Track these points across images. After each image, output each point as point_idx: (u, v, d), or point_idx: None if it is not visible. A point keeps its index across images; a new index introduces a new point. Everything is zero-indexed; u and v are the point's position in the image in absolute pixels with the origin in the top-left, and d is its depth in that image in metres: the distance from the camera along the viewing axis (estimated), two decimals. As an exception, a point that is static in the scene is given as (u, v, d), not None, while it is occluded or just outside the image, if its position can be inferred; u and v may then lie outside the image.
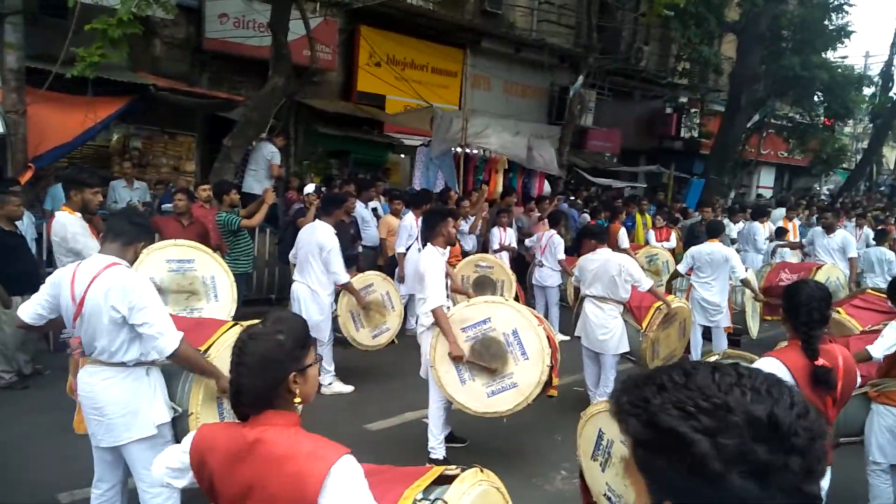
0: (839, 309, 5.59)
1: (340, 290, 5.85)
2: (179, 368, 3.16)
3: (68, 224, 4.82)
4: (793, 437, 0.78)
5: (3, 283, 5.24)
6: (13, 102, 6.75)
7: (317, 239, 5.62)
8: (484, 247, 9.02)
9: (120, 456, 3.04)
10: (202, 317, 4.45)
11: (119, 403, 2.91)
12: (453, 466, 2.32)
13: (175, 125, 10.24)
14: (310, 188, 7.78)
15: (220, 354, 3.11)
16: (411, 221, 7.72)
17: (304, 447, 1.64)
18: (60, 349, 5.56)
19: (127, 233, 3.04)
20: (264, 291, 8.69)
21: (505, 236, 8.56)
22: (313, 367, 1.81)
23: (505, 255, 8.41)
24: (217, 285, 4.60)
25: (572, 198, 12.08)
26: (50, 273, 3.18)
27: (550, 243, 8.26)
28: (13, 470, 4.19)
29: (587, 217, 10.62)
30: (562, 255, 8.13)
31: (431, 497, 2.16)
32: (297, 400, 1.75)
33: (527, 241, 8.81)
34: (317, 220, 5.79)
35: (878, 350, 3.78)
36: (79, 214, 4.89)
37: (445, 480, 2.25)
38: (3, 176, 7.02)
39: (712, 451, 0.78)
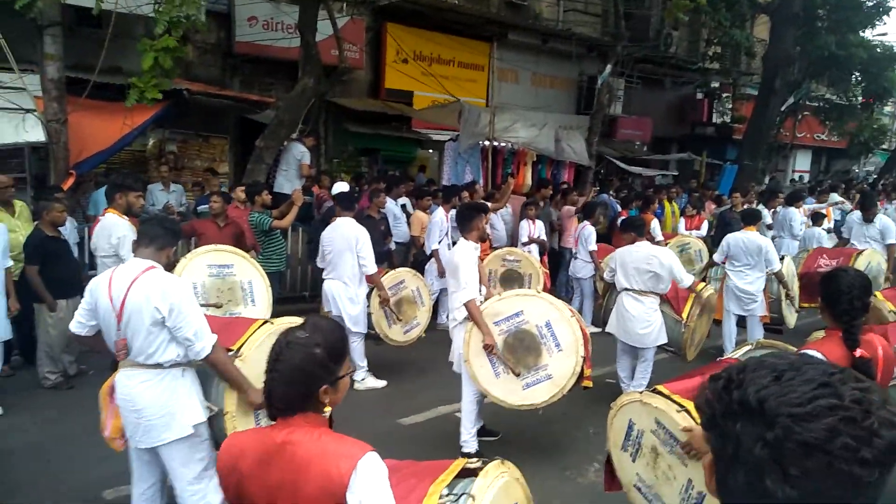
0: (875, 293, 5.48)
1: (371, 287, 5.95)
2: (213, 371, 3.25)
3: (116, 226, 5.01)
4: (769, 429, 0.81)
5: (48, 287, 5.46)
6: (54, 111, 6.99)
7: (344, 233, 5.73)
8: (513, 240, 9.02)
9: (157, 456, 3.12)
10: (232, 313, 4.58)
11: (157, 405, 3.00)
12: (475, 459, 2.38)
13: (208, 128, 10.47)
14: (340, 186, 7.90)
15: (251, 354, 3.18)
16: (441, 217, 7.78)
17: (330, 447, 1.68)
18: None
19: (161, 237, 3.15)
20: (297, 289, 8.84)
21: (534, 229, 8.54)
22: (346, 378, 1.85)
23: (534, 248, 8.40)
24: (254, 290, 4.72)
25: (612, 192, 11.97)
26: (92, 276, 3.30)
27: (582, 234, 8.27)
28: (60, 467, 4.38)
29: (618, 207, 10.54)
30: (593, 246, 8.11)
31: (457, 491, 2.20)
32: (327, 409, 1.80)
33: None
34: (338, 218, 5.90)
35: None
36: (125, 217, 5.09)
37: (468, 474, 2.30)
38: (47, 183, 7.29)
39: (706, 407, 0.92)
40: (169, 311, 2.92)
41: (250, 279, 4.72)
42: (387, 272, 6.29)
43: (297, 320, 3.46)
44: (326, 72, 9.10)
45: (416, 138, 12.79)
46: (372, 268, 5.75)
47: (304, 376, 1.73)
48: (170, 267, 3.33)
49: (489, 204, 8.60)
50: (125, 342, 3.00)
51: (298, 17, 8.52)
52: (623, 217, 9.30)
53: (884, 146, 23.57)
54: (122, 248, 4.90)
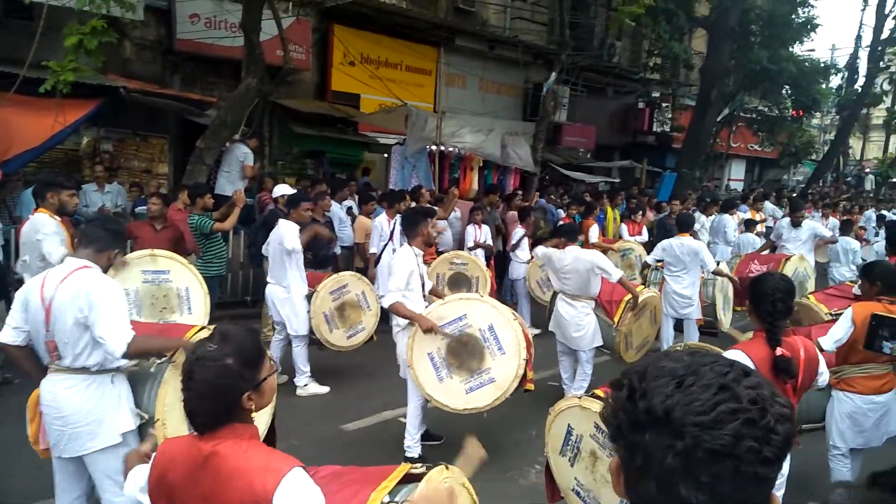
0: (808, 294, 5.75)
1: (312, 291, 5.89)
2: (145, 374, 3.15)
3: (43, 224, 4.78)
4: (678, 439, 0.82)
5: (-29, 290, 5.18)
6: (-21, 107, 6.65)
7: (278, 236, 5.68)
8: (461, 244, 9.07)
9: (83, 466, 3.00)
10: (169, 324, 4.44)
11: (83, 412, 2.89)
12: (419, 465, 2.36)
13: (147, 127, 10.14)
14: (282, 189, 7.78)
15: None
16: (382, 221, 7.76)
17: (256, 461, 1.64)
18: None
19: (100, 239, 3.05)
20: (239, 294, 8.66)
21: (480, 234, 8.63)
22: (270, 378, 1.81)
23: (480, 253, 8.48)
24: (191, 297, 4.59)
25: (552, 196, 12.18)
26: (18, 279, 3.17)
27: (514, 236, 8.49)
28: (-14, 479, 4.17)
29: (562, 213, 10.74)
30: (524, 249, 8.36)
31: (398, 499, 2.19)
32: (254, 414, 1.76)
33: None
34: (281, 220, 5.83)
35: (828, 342, 3.86)
36: (56, 217, 4.86)
37: (412, 479, 2.30)
38: (-29, 182, 6.93)
39: (612, 419, 0.92)
40: (89, 309, 2.81)
41: (187, 286, 4.59)
42: (330, 276, 6.24)
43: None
44: (271, 72, 8.96)
45: (362, 141, 12.71)
46: (297, 246, 5.65)
47: (220, 390, 1.67)
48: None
49: (436, 208, 8.64)
50: (54, 344, 2.89)
51: (242, 16, 8.35)
52: (563, 223, 9.53)
53: (812, 156, 24.76)
54: (45, 244, 4.67)
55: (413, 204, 8.46)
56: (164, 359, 3.08)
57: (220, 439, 1.68)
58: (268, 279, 6.02)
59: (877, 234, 12.18)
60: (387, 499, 2.17)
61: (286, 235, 5.64)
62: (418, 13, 12.80)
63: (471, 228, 8.63)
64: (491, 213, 9.33)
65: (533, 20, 15.36)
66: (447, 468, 2.36)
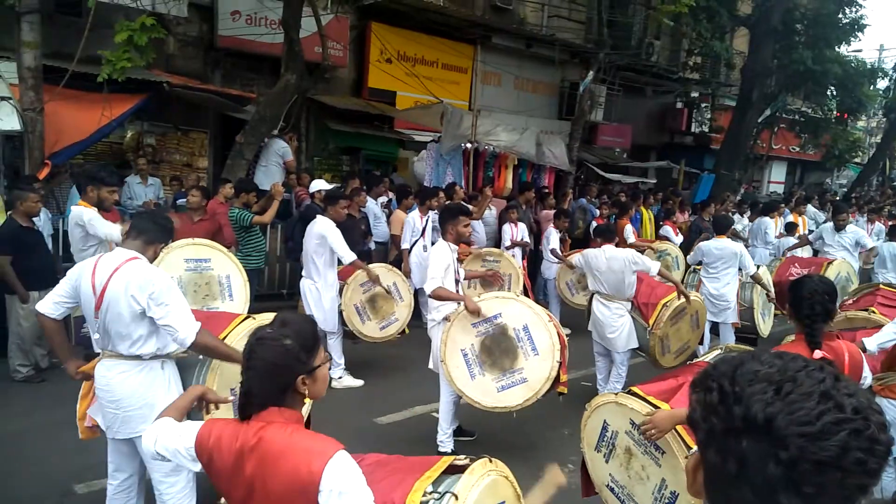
0: (873, 309, 5.58)
1: (343, 284, 5.94)
2: (194, 361, 3.24)
3: (83, 212, 4.93)
4: (782, 449, 0.81)
5: (20, 279, 5.36)
6: (31, 100, 6.86)
7: (315, 231, 5.73)
8: (495, 242, 9.06)
9: (136, 448, 3.11)
10: (210, 308, 4.54)
11: (135, 396, 3.00)
12: (462, 456, 2.35)
13: (188, 122, 10.35)
14: (319, 184, 7.87)
15: (235, 346, 3.19)
16: (414, 217, 7.79)
17: (301, 444, 1.69)
18: (80, 342, 5.67)
19: (149, 231, 3.15)
20: (276, 287, 8.79)
21: (516, 232, 8.60)
22: (323, 368, 1.87)
23: (518, 251, 8.46)
24: (232, 284, 4.69)
25: (590, 196, 12.07)
26: (67, 268, 3.27)
27: (546, 237, 8.45)
28: (31, 461, 4.31)
29: (596, 213, 10.64)
30: (553, 244, 8.26)
31: (441, 489, 2.19)
32: (307, 401, 1.81)
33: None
34: (318, 216, 5.89)
35: (872, 343, 3.82)
36: (94, 208, 5.01)
37: (455, 470, 2.30)
38: (21, 173, 7.16)
39: (703, 422, 0.90)
40: (148, 303, 2.90)
41: (228, 274, 4.68)
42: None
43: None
44: (309, 69, 9.05)
45: (398, 138, 12.77)
46: (348, 256, 5.68)
47: (278, 370, 1.76)
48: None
49: (470, 207, 8.65)
50: (103, 330, 2.98)
51: (283, 14, 8.47)
52: (598, 223, 9.45)
53: (857, 160, 24.08)
54: (95, 229, 4.82)
55: (447, 201, 8.49)
56: None
57: (267, 423, 1.73)
58: (303, 273, 6.10)
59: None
60: (430, 489, 2.18)
61: (325, 227, 5.69)
62: (455, 11, 12.80)
63: (507, 227, 8.61)
64: (525, 212, 9.30)
65: (570, 18, 15.24)
66: (491, 461, 2.35)
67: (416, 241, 7.78)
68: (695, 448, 2.85)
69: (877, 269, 9.07)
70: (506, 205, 9.15)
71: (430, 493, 2.17)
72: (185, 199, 7.05)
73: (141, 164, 9.00)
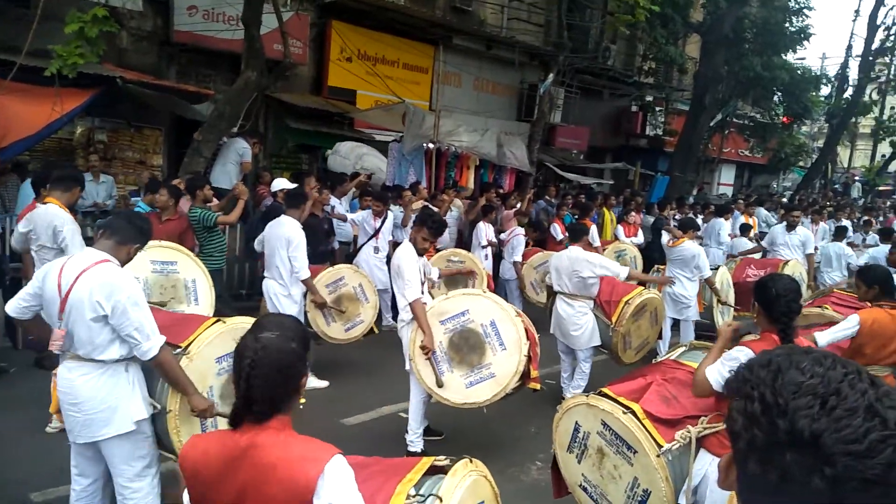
0: (826, 306, 5.79)
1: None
2: None
3: (61, 217, 4.75)
4: (828, 465, 0.80)
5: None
6: (-25, 94, 6.56)
7: (283, 234, 5.63)
8: (458, 242, 9.09)
9: (99, 452, 3.02)
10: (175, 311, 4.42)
11: (97, 399, 2.90)
12: (443, 457, 2.35)
13: (141, 118, 10.03)
14: (281, 183, 7.74)
15: (201, 351, 3.12)
16: (367, 217, 7.77)
17: (296, 450, 1.67)
18: (30, 346, 5.45)
19: (124, 231, 3.06)
20: (235, 287, 8.62)
21: (491, 233, 8.66)
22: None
23: (490, 251, 8.53)
24: (198, 288, 4.58)
25: (548, 197, 12.20)
26: (14, 268, 3.15)
27: (511, 242, 8.51)
28: (-16, 470, 4.12)
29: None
30: (517, 257, 8.34)
31: (423, 491, 2.19)
32: (303, 400, 1.81)
33: (501, 236, 8.93)
34: (283, 216, 5.79)
35: (824, 338, 3.99)
36: (67, 210, 4.84)
37: (435, 471, 2.30)
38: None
39: (744, 433, 0.89)
40: (112, 310, 2.81)
41: (194, 277, 4.57)
42: (326, 269, 6.23)
43: (248, 320, 3.39)
44: (269, 66, 8.90)
45: (358, 137, 12.67)
46: (304, 273, 5.62)
47: (288, 374, 1.74)
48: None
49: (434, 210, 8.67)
50: (63, 334, 2.88)
51: (243, 10, 8.30)
52: (556, 224, 9.58)
53: (801, 163, 25.01)
54: (68, 237, 4.67)
55: (415, 199, 8.50)
56: (177, 350, 3.07)
57: (258, 430, 1.69)
58: (264, 273, 5.99)
59: (864, 241, 12.31)
60: (413, 491, 2.17)
61: (291, 232, 5.59)
62: (416, 11, 12.78)
63: (482, 227, 8.65)
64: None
65: (529, 21, 15.39)
66: (471, 461, 2.35)
67: (367, 241, 7.76)
68: (666, 446, 2.91)
69: (822, 268, 9.45)
70: (481, 205, 9.16)
71: (414, 497, 2.16)
72: (138, 197, 6.83)
73: (92, 161, 8.69)
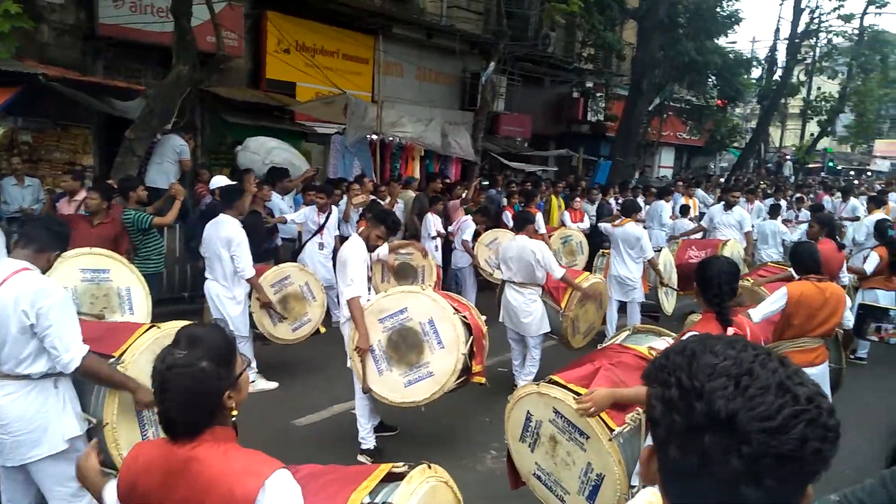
0: (750, 279, 6.01)
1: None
2: None
3: None
4: (744, 444, 0.82)
5: None
6: None
7: (223, 234, 5.46)
8: (414, 234, 9.03)
9: (30, 475, 2.85)
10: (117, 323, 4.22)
11: (25, 419, 2.73)
12: (401, 464, 2.29)
13: (68, 117, 9.56)
14: (220, 180, 7.50)
15: (136, 360, 2.98)
16: (310, 213, 7.65)
17: (236, 464, 1.59)
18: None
19: (41, 239, 2.88)
20: (176, 290, 8.34)
21: (438, 223, 8.62)
22: (244, 373, 1.75)
23: (439, 242, 8.50)
24: (132, 297, 4.38)
25: (500, 188, 12.25)
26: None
27: (461, 227, 8.51)
28: None
29: (504, 201, 10.82)
30: (466, 237, 8.37)
31: (378, 500, 2.13)
32: (235, 412, 1.70)
33: (450, 227, 8.91)
34: (221, 214, 5.61)
35: (757, 314, 4.13)
36: None
37: (394, 478, 2.24)
38: None
39: (663, 418, 0.89)
40: (37, 317, 2.65)
41: (128, 285, 4.36)
42: (271, 268, 6.08)
43: (183, 324, 3.26)
44: (202, 59, 8.59)
45: (300, 131, 12.41)
46: (248, 272, 5.48)
47: (200, 396, 1.61)
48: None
49: (381, 203, 8.59)
50: None
51: (172, 1, 7.98)
52: (507, 211, 9.62)
53: (736, 144, 25.86)
54: None
55: (360, 192, 8.40)
56: (111, 360, 2.92)
57: (198, 442, 1.61)
58: (206, 275, 5.81)
59: (797, 217, 12.83)
60: (367, 499, 2.12)
61: (233, 232, 5.42)
62: (354, 0, 12.58)
63: (431, 218, 8.59)
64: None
65: (469, 9, 15.35)
66: (430, 467, 2.29)
67: (312, 237, 7.63)
68: (617, 430, 2.94)
69: (759, 245, 9.79)
70: (428, 197, 9.11)
71: (368, 503, 2.11)
72: (64, 199, 6.50)
73: (15, 164, 8.23)
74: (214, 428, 1.64)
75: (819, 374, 4.24)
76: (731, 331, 2.94)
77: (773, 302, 4.27)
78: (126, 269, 4.45)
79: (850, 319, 4.63)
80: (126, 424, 2.94)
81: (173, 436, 1.63)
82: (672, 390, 0.88)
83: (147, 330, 3.10)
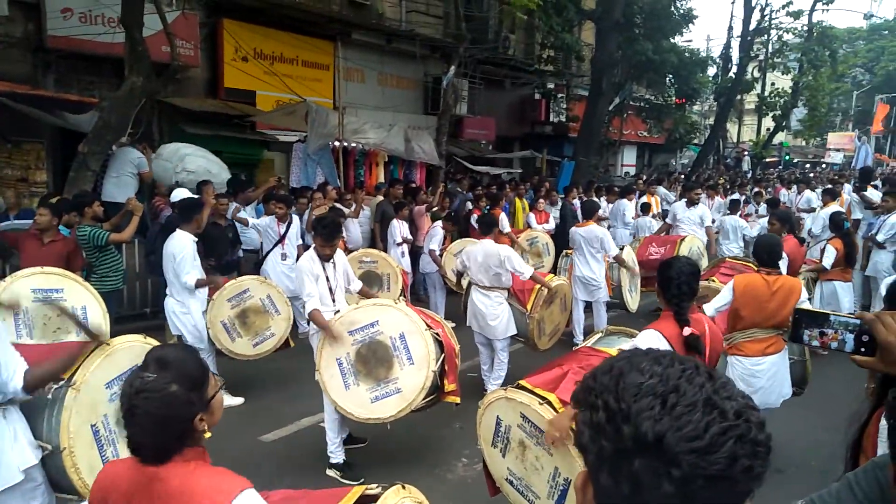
0: (713, 278, 6.10)
1: (210, 298, 5.62)
2: (42, 402, 2.89)
3: None
4: (674, 466, 0.78)
5: None
6: None
7: (168, 250, 5.41)
8: (371, 242, 8.97)
9: None
10: (61, 342, 4.09)
11: None
12: (374, 485, 2.25)
13: (19, 132, 9.28)
14: (180, 193, 7.35)
15: (87, 380, 2.90)
16: (270, 222, 7.56)
17: (203, 483, 1.56)
18: None
19: None
20: (137, 307, 8.15)
21: (405, 229, 8.57)
22: (218, 395, 1.72)
23: (405, 248, 8.44)
24: (88, 315, 4.24)
25: (465, 192, 12.26)
26: None
27: (430, 233, 8.48)
28: None
29: (470, 205, 10.83)
30: (433, 246, 8.29)
31: None
32: (207, 434, 1.66)
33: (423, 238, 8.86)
34: (177, 230, 5.52)
35: (710, 309, 4.22)
36: None
37: (367, 501, 2.20)
38: None
39: (592, 445, 0.85)
40: None
41: (84, 304, 4.23)
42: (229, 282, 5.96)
43: (135, 338, 3.18)
44: (157, 70, 8.42)
45: (261, 139, 12.26)
46: (189, 279, 5.36)
47: (169, 421, 1.58)
48: None
49: (346, 210, 8.52)
50: None
51: (122, 11, 7.80)
52: (476, 215, 9.63)
53: (695, 141, 26.35)
54: None
55: (322, 201, 8.32)
56: (60, 383, 2.82)
57: (165, 463, 1.58)
58: (167, 290, 5.68)
59: (756, 212, 13.12)
60: None
61: (177, 247, 5.35)
62: (311, 6, 12.47)
63: (396, 224, 8.53)
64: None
65: (428, 13, 15.36)
66: (404, 487, 2.25)
67: (273, 247, 7.54)
68: None
69: (721, 241, 9.98)
70: (393, 203, 9.05)
71: None
72: (7, 222, 6.29)
73: (-36, 182, 7.96)
74: (185, 451, 1.60)
75: (771, 364, 4.33)
76: (687, 330, 2.97)
77: (722, 296, 4.38)
78: (80, 287, 4.32)
79: None
80: (83, 447, 2.85)
81: (141, 460, 1.60)
82: (599, 413, 0.84)
83: (95, 348, 3.01)
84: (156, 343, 3.05)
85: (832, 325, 1.46)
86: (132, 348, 3.15)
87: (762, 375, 4.36)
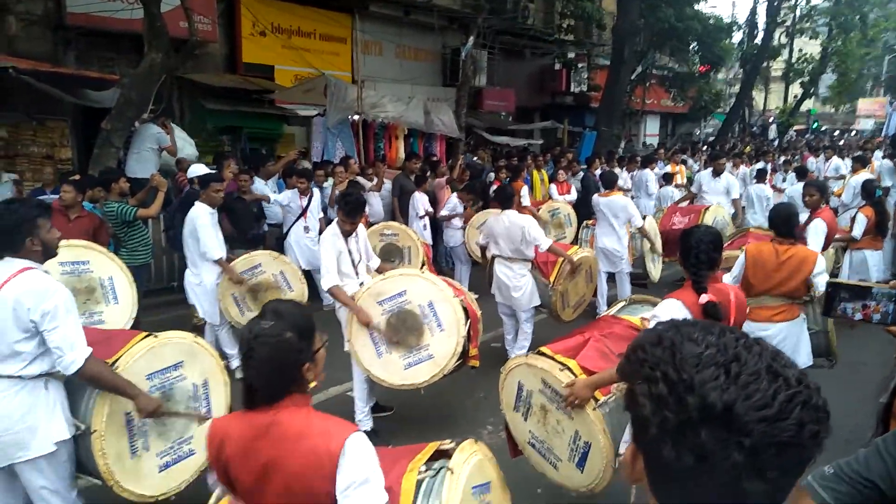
0: (744, 247, 5.99)
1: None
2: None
3: None
4: (744, 435, 0.77)
5: None
6: None
7: (187, 221, 5.50)
8: (393, 214, 8.97)
9: (16, 477, 2.81)
10: (111, 328, 4.16)
11: (13, 419, 2.68)
12: (448, 441, 2.44)
13: (43, 110, 9.38)
14: (197, 169, 7.39)
15: (130, 367, 2.95)
16: (293, 197, 7.57)
17: (318, 425, 1.74)
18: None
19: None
20: (165, 280, 8.28)
21: (426, 201, 8.56)
22: (322, 349, 1.88)
23: (427, 221, 8.44)
24: (116, 286, 4.31)
25: (476, 159, 12.18)
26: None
27: (447, 204, 8.52)
28: None
29: (492, 176, 10.76)
30: (444, 212, 8.35)
31: (436, 466, 2.28)
32: (312, 383, 1.83)
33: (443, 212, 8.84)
34: (196, 203, 5.59)
35: (728, 277, 4.24)
36: None
37: (440, 456, 2.38)
38: None
39: (654, 417, 0.83)
40: (42, 317, 2.61)
41: (111, 275, 4.29)
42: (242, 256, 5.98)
43: (183, 335, 3.21)
44: (176, 45, 8.43)
45: (281, 114, 12.26)
46: (214, 253, 5.45)
47: (281, 365, 1.75)
48: None
49: (367, 184, 8.52)
50: None
51: (140, -14, 7.80)
52: (497, 185, 9.56)
53: (720, 109, 25.84)
54: None
55: (343, 174, 8.31)
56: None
57: (279, 409, 1.75)
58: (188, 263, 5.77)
59: (783, 180, 12.85)
60: (423, 468, 2.26)
61: (193, 218, 5.43)
62: (328, -21, 12.37)
63: (419, 196, 8.51)
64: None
65: (446, -17, 15.14)
66: (476, 442, 2.45)
67: (296, 221, 7.56)
68: (602, 399, 2.96)
69: (747, 209, 9.82)
70: (413, 177, 9.02)
71: (425, 472, 2.25)
72: (45, 197, 6.38)
73: (-8, 161, 8.09)
74: (294, 395, 1.77)
75: (778, 331, 4.26)
76: (704, 298, 2.93)
77: (738, 264, 4.37)
78: (106, 259, 4.38)
79: (820, 285, 4.54)
80: (114, 434, 2.91)
81: (253, 404, 1.77)
82: (659, 385, 0.82)
83: (143, 338, 3.07)
84: (208, 346, 3.32)
85: (875, 296, 1.43)
86: (180, 345, 3.19)
87: (769, 341, 4.30)
